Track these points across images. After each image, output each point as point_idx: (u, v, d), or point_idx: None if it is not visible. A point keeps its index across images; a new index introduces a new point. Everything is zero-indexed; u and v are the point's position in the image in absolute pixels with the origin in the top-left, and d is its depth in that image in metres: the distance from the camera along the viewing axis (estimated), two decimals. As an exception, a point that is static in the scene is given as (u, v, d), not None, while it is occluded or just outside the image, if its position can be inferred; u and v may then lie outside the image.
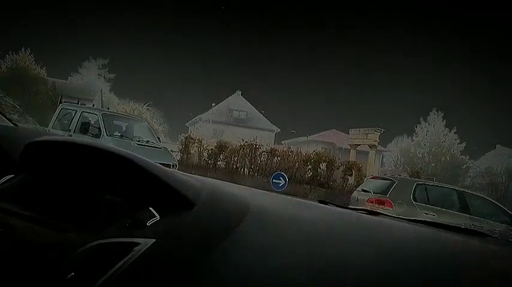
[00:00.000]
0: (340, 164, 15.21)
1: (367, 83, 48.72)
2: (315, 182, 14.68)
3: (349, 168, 14.93)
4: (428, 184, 7.12)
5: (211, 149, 16.00)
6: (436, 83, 45.21)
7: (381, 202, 6.38)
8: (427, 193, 6.68)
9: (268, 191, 1.11)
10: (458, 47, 46.56)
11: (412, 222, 0.94)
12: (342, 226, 0.74)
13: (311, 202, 1.01)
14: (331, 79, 50.12)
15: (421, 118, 32.37)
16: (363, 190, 7.42)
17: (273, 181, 13.00)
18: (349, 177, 14.96)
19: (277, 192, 10.62)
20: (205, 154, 16.10)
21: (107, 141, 7.46)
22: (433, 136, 31.18)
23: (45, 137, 0.88)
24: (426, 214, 6.12)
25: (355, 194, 7.67)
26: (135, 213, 0.65)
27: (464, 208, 6.62)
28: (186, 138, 16.51)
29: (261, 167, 15.50)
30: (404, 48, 48.61)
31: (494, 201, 7.39)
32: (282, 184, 12.84)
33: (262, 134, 26.94)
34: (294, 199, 0.99)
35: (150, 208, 0.66)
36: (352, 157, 17.26)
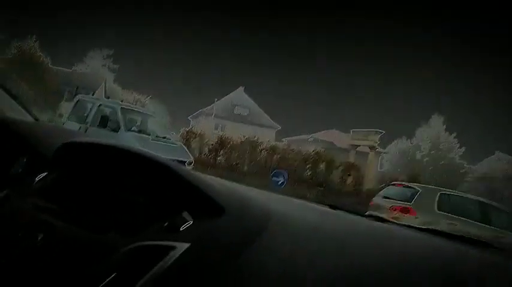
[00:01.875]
0: (339, 164, 15.27)
1: (370, 84, 48.63)
2: (313, 181, 14.74)
3: (348, 168, 15.00)
4: (452, 194, 7.07)
5: (212, 144, 16.04)
6: (439, 87, 45.08)
7: (405, 210, 6.31)
8: (450, 203, 6.65)
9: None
10: (463, 51, 46.40)
11: (425, 232, 0.95)
12: (361, 236, 0.75)
13: (324, 208, 1.03)
14: (333, 79, 49.99)
15: (422, 121, 32.39)
16: (385, 197, 7.29)
17: (273, 178, 13.00)
18: (347, 178, 15.04)
19: (277, 190, 10.62)
20: (205, 149, 16.13)
21: (125, 137, 7.34)
22: (432, 139, 31.18)
23: (81, 139, 0.91)
24: (449, 224, 6.10)
25: (376, 200, 7.51)
26: (170, 217, 0.67)
27: (486, 219, 6.60)
28: (187, 132, 16.52)
29: (260, 164, 15.54)
30: (408, 50, 48.41)
31: None
32: (281, 182, 12.85)
33: (263, 131, 26.98)
34: (309, 203, 1.01)
35: (184, 212, 0.67)
36: (351, 157, 17.31)
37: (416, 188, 6.99)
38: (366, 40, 47.78)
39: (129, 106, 9.37)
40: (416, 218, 6.07)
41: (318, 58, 50.11)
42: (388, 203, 6.85)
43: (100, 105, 8.37)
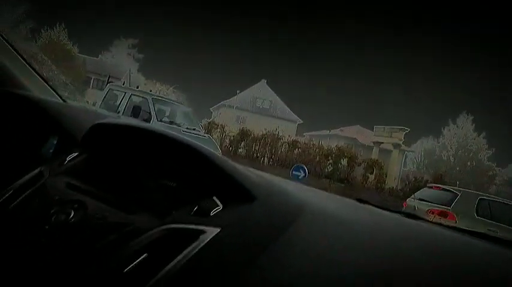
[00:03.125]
0: (361, 161, 15.00)
1: (398, 81, 47.39)
2: (334, 177, 14.56)
3: (370, 166, 14.71)
4: (491, 199, 6.92)
5: (233, 136, 16.09)
6: (468, 86, 43.39)
7: (444, 214, 6.21)
8: (490, 208, 6.51)
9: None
10: (495, 49, 44.37)
11: (455, 230, 0.91)
12: (395, 232, 0.73)
13: (355, 201, 1.00)
14: (360, 75, 49.03)
15: (450, 120, 31.34)
16: (421, 199, 7.18)
17: (293, 172, 12.98)
18: (369, 175, 14.75)
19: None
20: (227, 140, 16.22)
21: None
22: (460, 139, 30.17)
23: (113, 120, 0.90)
24: (489, 230, 5.86)
25: (410, 202, 7.40)
26: (200, 201, 0.67)
27: None
28: (209, 123, 16.66)
29: (281, 158, 15.48)
30: (437, 46, 46.79)
31: None
32: (301, 176, 12.81)
33: (285, 124, 26.81)
34: (340, 196, 0.98)
35: (214, 197, 0.67)
36: (374, 154, 16.97)
37: (455, 191, 6.84)
38: (394, 33, 46.51)
39: (160, 96, 9.48)
40: (455, 223, 5.90)
41: (345, 52, 49.24)
42: (424, 206, 6.70)
43: (131, 95, 8.47)
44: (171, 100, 10.24)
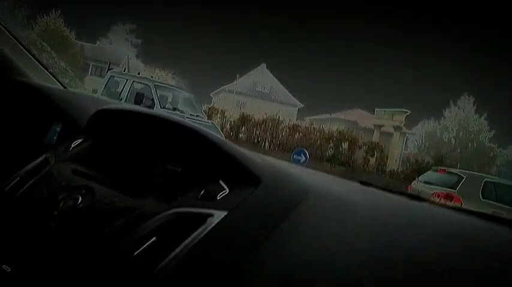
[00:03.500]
0: (362, 144, 15.00)
1: (397, 62, 46.86)
2: (335, 161, 14.59)
3: (371, 149, 14.72)
4: (496, 182, 6.94)
5: (234, 121, 16.05)
6: (470, 67, 42.92)
7: (450, 197, 6.24)
8: (495, 191, 6.53)
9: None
10: (495, 29, 43.64)
11: (461, 212, 0.92)
12: (400, 214, 0.72)
13: (358, 184, 1.00)
14: (359, 57, 48.43)
15: (451, 102, 31.16)
16: (426, 182, 7.19)
17: (294, 156, 13.01)
18: (370, 158, 14.78)
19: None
20: (227, 126, 16.19)
21: None
22: (461, 121, 30.07)
23: (117, 106, 0.90)
24: (495, 212, 6.00)
25: (415, 185, 7.41)
26: (206, 185, 0.67)
27: None
28: (209, 109, 16.59)
29: (282, 142, 15.48)
30: (437, 26, 46.03)
31: None
32: (302, 160, 12.85)
33: (286, 108, 26.70)
34: (345, 180, 0.98)
35: (220, 181, 0.67)
36: (375, 137, 16.95)
37: (461, 174, 6.84)
38: (393, 15, 45.68)
39: (162, 83, 9.34)
40: (461, 206, 5.90)
41: (344, 35, 48.52)
42: (429, 189, 6.72)
43: (133, 82, 8.33)
44: (173, 86, 10.11)
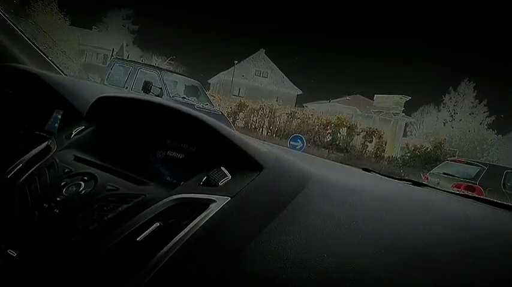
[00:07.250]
0: (360, 130, 15.00)
1: (396, 48, 46.41)
2: (333, 147, 14.61)
3: (370, 135, 14.72)
4: None
5: (232, 107, 15.96)
6: (470, 53, 42.60)
7: (471, 189, 6.11)
8: None
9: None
10: (495, 13, 43.08)
11: (460, 196, 0.92)
12: (402, 200, 0.73)
13: (360, 170, 1.01)
14: (359, 43, 47.93)
15: (451, 87, 31.02)
16: (444, 173, 7.09)
17: (291, 143, 12.95)
18: (369, 144, 14.80)
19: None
20: (224, 112, 16.08)
21: None
22: (461, 107, 30.00)
23: (119, 93, 0.90)
24: None
25: (432, 176, 7.28)
26: (209, 172, 0.67)
27: None
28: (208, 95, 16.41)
29: (280, 129, 15.45)
30: (437, 10, 45.43)
31: None
32: (299, 146, 12.81)
33: (284, 94, 26.56)
34: (346, 166, 0.99)
35: (222, 168, 0.67)
36: (374, 123, 16.93)
37: (481, 165, 6.79)
38: (391, 1, 45.00)
39: (169, 70, 9.01)
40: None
41: (342, 22, 47.86)
42: (448, 181, 6.62)
43: (139, 69, 7.98)
44: (179, 73, 9.76)
